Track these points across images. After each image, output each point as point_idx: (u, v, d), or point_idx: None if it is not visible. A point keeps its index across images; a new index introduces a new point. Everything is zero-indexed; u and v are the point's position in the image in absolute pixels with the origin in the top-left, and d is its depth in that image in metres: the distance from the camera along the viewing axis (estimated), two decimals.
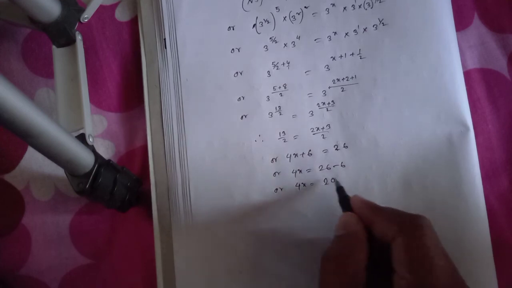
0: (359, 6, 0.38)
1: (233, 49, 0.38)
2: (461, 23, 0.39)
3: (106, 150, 0.39)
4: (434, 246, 0.26)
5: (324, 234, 0.34)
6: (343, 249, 0.28)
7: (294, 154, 0.37)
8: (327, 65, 0.38)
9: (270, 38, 0.38)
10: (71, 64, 0.37)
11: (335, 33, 0.38)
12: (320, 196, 0.36)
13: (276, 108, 0.37)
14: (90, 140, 0.34)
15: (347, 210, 0.31)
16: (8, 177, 0.39)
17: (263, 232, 0.36)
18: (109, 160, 0.35)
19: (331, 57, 0.38)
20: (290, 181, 0.36)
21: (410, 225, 0.27)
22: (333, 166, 0.36)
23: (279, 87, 0.38)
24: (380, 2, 0.38)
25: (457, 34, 0.37)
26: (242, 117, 0.37)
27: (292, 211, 0.36)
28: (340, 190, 0.34)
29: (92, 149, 0.34)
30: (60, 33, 0.36)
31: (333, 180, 0.36)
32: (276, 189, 0.36)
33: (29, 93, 0.40)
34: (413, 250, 0.26)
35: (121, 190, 0.35)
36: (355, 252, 0.28)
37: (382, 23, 0.38)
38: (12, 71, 0.40)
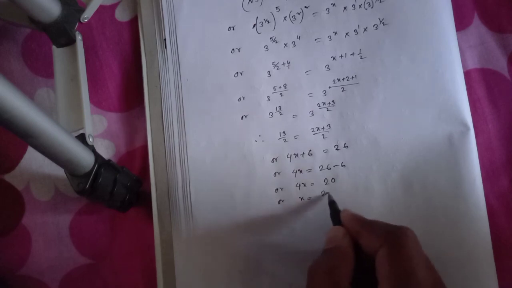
0: (360, 6, 0.38)
1: (233, 49, 0.38)
2: (461, 23, 0.39)
3: (106, 150, 0.39)
4: (416, 258, 0.26)
5: (324, 238, 0.35)
6: (329, 263, 0.28)
7: (294, 154, 0.37)
8: (328, 65, 0.38)
9: (271, 38, 0.38)
10: (71, 64, 0.37)
11: (336, 33, 0.38)
12: (323, 201, 0.36)
13: (276, 108, 0.37)
14: (90, 140, 0.34)
15: (337, 224, 0.32)
16: (8, 177, 0.39)
17: (263, 232, 0.36)
18: (109, 160, 0.35)
19: (332, 57, 0.38)
20: (291, 181, 0.36)
21: (392, 237, 0.27)
22: (334, 166, 0.36)
23: (280, 87, 0.38)
24: (380, 2, 0.38)
25: (457, 34, 0.37)
26: (242, 117, 0.37)
27: (293, 212, 0.36)
28: (332, 204, 0.34)
29: (92, 149, 0.34)
30: (60, 33, 0.36)
31: (324, 192, 0.36)
32: (277, 189, 0.36)
33: (29, 93, 0.40)
34: (394, 262, 0.26)
35: (121, 190, 0.35)
36: (340, 266, 0.28)
37: (383, 23, 0.38)
38: (12, 71, 0.40)
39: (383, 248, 0.27)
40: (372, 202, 0.36)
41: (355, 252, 0.29)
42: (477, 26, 0.39)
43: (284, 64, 0.38)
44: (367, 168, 0.36)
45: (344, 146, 0.37)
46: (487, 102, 0.38)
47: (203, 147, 0.37)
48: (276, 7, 0.39)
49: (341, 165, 0.36)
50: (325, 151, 0.37)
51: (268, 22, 0.39)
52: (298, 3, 0.38)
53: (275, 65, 0.38)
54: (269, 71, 0.38)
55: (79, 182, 0.32)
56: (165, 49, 0.39)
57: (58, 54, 0.38)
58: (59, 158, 0.30)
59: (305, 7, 0.38)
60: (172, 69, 0.38)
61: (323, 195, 0.36)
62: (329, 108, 0.37)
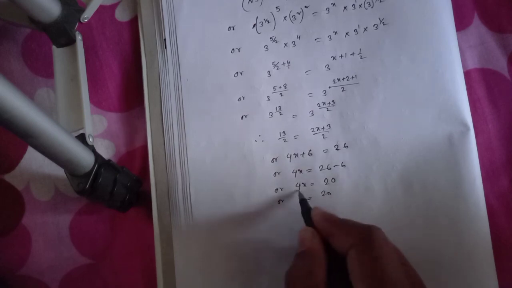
0: (360, 6, 0.38)
1: (233, 49, 0.38)
2: (461, 23, 0.39)
3: (106, 150, 0.39)
4: (387, 256, 0.26)
5: None
6: (305, 267, 0.28)
7: (294, 154, 0.37)
8: (328, 64, 0.38)
9: (271, 38, 0.38)
10: (71, 64, 0.37)
11: (336, 32, 0.38)
12: (321, 200, 0.36)
13: (276, 108, 0.37)
14: (90, 140, 0.34)
15: (308, 223, 0.32)
16: (8, 177, 0.39)
17: (263, 231, 0.36)
18: (109, 160, 0.35)
19: (332, 57, 0.38)
20: (291, 181, 0.36)
21: (361, 237, 0.27)
22: (334, 166, 0.36)
23: (279, 87, 0.38)
24: (380, 1, 0.38)
25: (457, 34, 0.37)
26: (242, 117, 0.37)
27: (292, 212, 0.36)
28: (302, 202, 0.34)
29: (92, 149, 0.34)
30: (60, 33, 0.36)
31: (332, 179, 0.36)
32: (276, 189, 0.36)
33: (29, 93, 0.40)
34: (365, 263, 0.26)
35: (121, 190, 0.35)
36: (313, 269, 0.28)
37: (383, 22, 0.38)
38: (12, 71, 0.40)
39: (352, 249, 0.27)
40: (372, 202, 0.36)
41: (327, 251, 0.29)
42: (477, 26, 0.39)
43: (284, 64, 0.38)
44: (367, 168, 0.36)
45: (344, 146, 0.37)
46: (487, 102, 0.38)
47: (203, 147, 0.37)
48: (276, 7, 0.39)
49: (341, 165, 0.36)
50: (325, 151, 0.37)
51: (268, 22, 0.39)
52: (298, 3, 0.38)
53: (275, 65, 0.38)
54: (269, 71, 0.38)
55: (79, 182, 0.32)
56: (165, 49, 0.39)
57: (58, 54, 0.38)
58: (59, 158, 0.30)
59: (305, 6, 0.38)
60: (172, 69, 0.38)
61: (297, 191, 0.36)
62: (329, 108, 0.37)
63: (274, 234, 0.36)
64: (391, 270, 0.25)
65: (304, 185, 0.36)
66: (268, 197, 0.36)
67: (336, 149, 0.37)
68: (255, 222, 0.36)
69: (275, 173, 0.37)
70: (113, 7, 0.41)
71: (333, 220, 0.30)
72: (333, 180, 0.36)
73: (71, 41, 0.37)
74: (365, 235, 0.27)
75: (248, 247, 0.36)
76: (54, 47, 0.38)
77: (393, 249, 0.28)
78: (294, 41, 0.38)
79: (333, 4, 0.38)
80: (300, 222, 0.34)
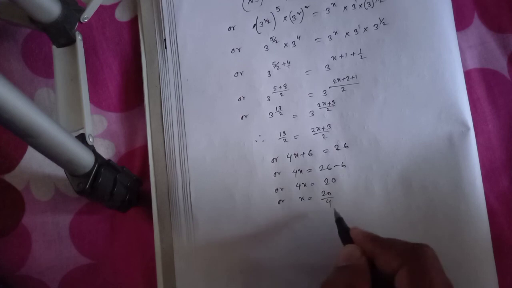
0: (360, 6, 0.38)
1: (233, 49, 0.38)
2: (461, 23, 0.39)
3: (106, 150, 0.39)
4: (437, 277, 0.26)
5: (324, 238, 0.34)
6: (347, 280, 0.28)
7: (294, 154, 0.37)
8: (328, 64, 0.38)
9: (271, 38, 0.38)
10: (71, 64, 0.37)
11: (336, 32, 0.38)
12: (322, 204, 0.36)
13: (276, 108, 0.37)
14: (90, 140, 0.34)
15: (347, 242, 0.31)
16: (8, 177, 0.39)
17: (263, 232, 0.36)
18: (109, 160, 0.35)
19: (332, 57, 0.38)
20: (291, 181, 0.36)
21: (413, 255, 0.27)
22: (334, 166, 0.36)
23: (280, 87, 0.38)
24: (380, 1, 0.38)
25: (457, 34, 0.37)
26: (242, 117, 0.37)
27: (293, 212, 0.36)
28: (339, 221, 0.33)
29: (92, 149, 0.34)
30: (60, 33, 0.36)
31: (332, 179, 0.36)
32: (277, 189, 0.36)
33: (29, 93, 0.40)
34: (416, 282, 0.26)
35: (121, 190, 0.35)
36: (358, 284, 0.27)
37: (383, 22, 0.38)
38: (12, 71, 0.40)
39: (403, 268, 0.26)
40: (372, 202, 0.36)
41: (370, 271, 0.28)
42: (477, 26, 0.39)
43: (284, 64, 0.38)
44: (367, 168, 0.36)
45: (344, 146, 0.37)
46: (487, 102, 0.38)
47: (203, 147, 0.37)
48: (276, 7, 0.39)
49: (341, 165, 0.36)
50: (325, 151, 0.37)
51: (268, 22, 0.39)
52: (298, 3, 0.38)
53: (275, 65, 0.38)
54: (269, 71, 0.38)
55: (79, 182, 0.32)
56: (165, 49, 0.39)
57: (58, 54, 0.38)
58: (59, 158, 0.30)
59: (305, 7, 0.38)
60: (172, 69, 0.38)
61: (327, 201, 0.36)
62: (329, 108, 0.37)
63: (274, 234, 0.36)
64: None
65: (304, 185, 0.36)
66: (268, 197, 0.36)
67: (336, 149, 0.37)
68: (255, 222, 0.36)
69: (275, 173, 0.37)
70: (113, 7, 0.41)
71: (376, 240, 0.29)
72: (333, 180, 0.36)
73: (71, 41, 0.37)
74: (418, 254, 0.27)
75: (248, 247, 0.36)
76: (54, 47, 0.38)
77: (444, 273, 0.27)
78: (294, 41, 0.38)
79: (333, 4, 0.38)
80: (300, 222, 0.34)
